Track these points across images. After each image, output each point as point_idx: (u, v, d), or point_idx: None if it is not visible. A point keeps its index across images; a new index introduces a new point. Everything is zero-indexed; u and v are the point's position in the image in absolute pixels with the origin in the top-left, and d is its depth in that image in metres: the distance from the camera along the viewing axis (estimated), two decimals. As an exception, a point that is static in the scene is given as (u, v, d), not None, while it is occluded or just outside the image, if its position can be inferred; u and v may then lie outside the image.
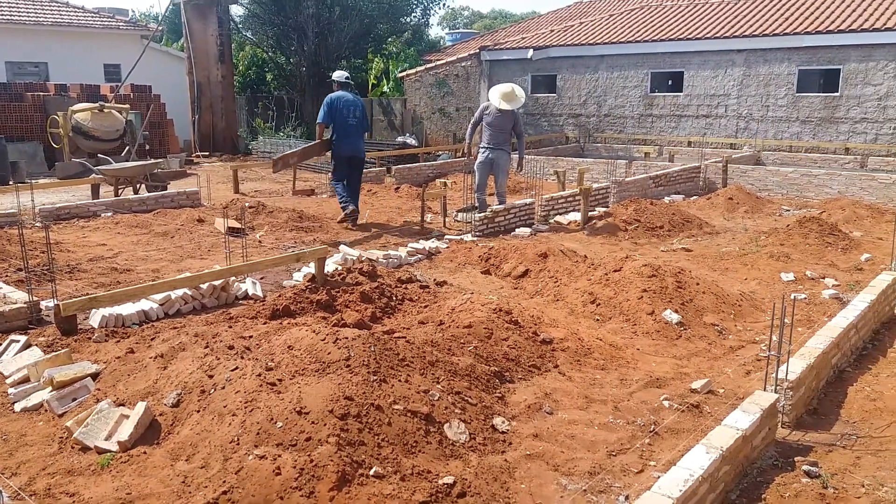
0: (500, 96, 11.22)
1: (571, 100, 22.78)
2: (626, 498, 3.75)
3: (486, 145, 11.39)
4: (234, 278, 7.10)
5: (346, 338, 4.51)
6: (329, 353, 4.41)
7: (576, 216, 11.98)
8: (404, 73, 26.10)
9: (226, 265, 7.28)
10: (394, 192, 14.36)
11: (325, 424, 3.86)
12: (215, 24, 23.62)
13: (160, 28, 27.93)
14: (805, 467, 4.08)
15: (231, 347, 4.84)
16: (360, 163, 11.45)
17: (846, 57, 17.91)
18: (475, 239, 10.32)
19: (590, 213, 11.89)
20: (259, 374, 4.27)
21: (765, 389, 4.46)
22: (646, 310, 6.54)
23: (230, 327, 5.56)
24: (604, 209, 12.42)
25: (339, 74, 11.51)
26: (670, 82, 21.23)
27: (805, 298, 7.52)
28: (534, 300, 7.39)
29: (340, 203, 11.19)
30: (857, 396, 5.10)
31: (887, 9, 18.29)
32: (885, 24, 17.29)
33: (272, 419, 3.91)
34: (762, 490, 3.90)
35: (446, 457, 3.99)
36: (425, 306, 6.83)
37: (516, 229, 11.12)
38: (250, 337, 5.11)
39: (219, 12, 23.62)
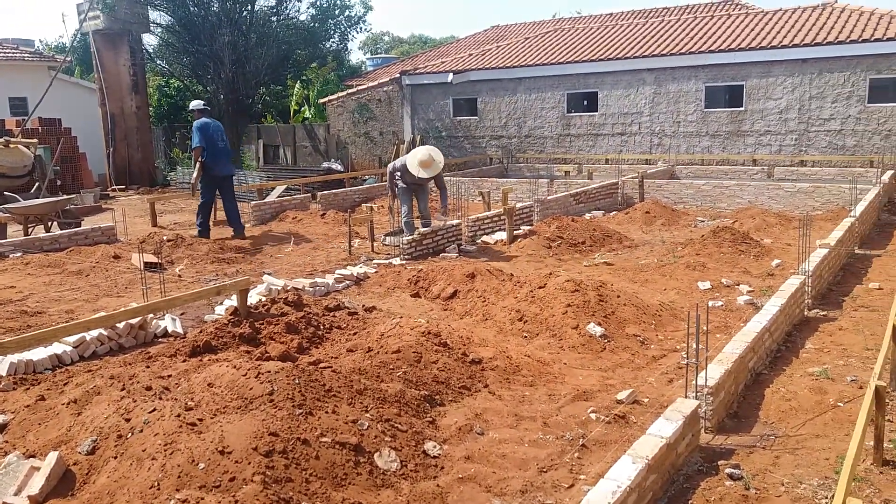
0: (418, 164, 11.03)
1: (493, 122, 23.17)
2: (558, 514, 3.78)
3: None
4: (151, 315, 6.85)
5: (269, 371, 4.40)
6: (251, 389, 4.29)
7: (502, 235, 12.14)
8: (326, 99, 26.00)
9: (143, 302, 7.01)
10: (320, 218, 14.21)
11: (249, 463, 3.74)
12: (127, 53, 22.99)
13: (68, 59, 26.98)
14: (728, 470, 4.21)
15: (149, 388, 4.65)
16: (231, 182, 12.72)
17: (748, 73, 18.88)
18: (404, 262, 10.30)
19: (515, 232, 12.07)
20: (178, 415, 4.11)
21: (686, 396, 4.59)
22: (570, 324, 6.65)
23: (148, 367, 5.35)
24: (528, 227, 12.62)
25: (196, 103, 12.59)
26: (586, 102, 21.89)
27: (722, 305, 7.81)
28: (463, 321, 7.41)
29: (197, 222, 12.24)
30: (774, 398, 5.31)
31: (783, 27, 19.42)
32: (781, 42, 18.35)
33: (194, 461, 3.77)
34: (689, 496, 3.99)
35: (378, 487, 3.92)
36: (354, 333, 6.75)
37: (444, 251, 11.17)
38: (169, 376, 4.92)
39: (130, 42, 23.01)
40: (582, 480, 4.12)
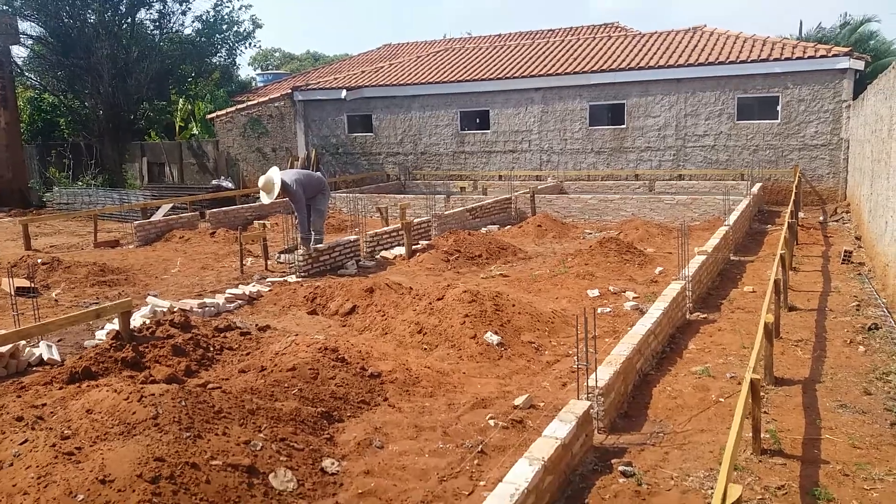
0: (260, 190, 10.97)
1: (389, 139, 23.22)
2: (459, 522, 3.77)
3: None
4: (24, 343, 6.35)
5: (153, 394, 4.17)
6: (134, 413, 4.05)
7: (401, 250, 12.13)
8: (215, 115, 25.22)
9: (13, 329, 6.49)
10: (209, 237, 13.71)
11: (133, 491, 3.51)
12: (-6, 66, 21.44)
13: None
14: (621, 468, 4.35)
15: (20, 419, 4.29)
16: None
17: (629, 93, 19.88)
18: (300, 279, 10.08)
19: (413, 247, 12.10)
20: (53, 445, 3.82)
21: (578, 398, 4.72)
22: (469, 334, 6.71)
23: (19, 397, 4.94)
24: (427, 242, 12.69)
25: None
26: (478, 120, 22.33)
27: (610, 311, 8.11)
28: (363, 336, 7.32)
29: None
30: (661, 397, 5.55)
31: (659, 49, 20.60)
32: (658, 63, 19.46)
33: (71, 493, 3.50)
34: (585, 495, 4.09)
35: (274, 507, 3.78)
36: (247, 354, 6.53)
37: (343, 266, 11.02)
38: (44, 405, 4.57)
39: (-3, 54, 21.50)
40: (482, 486, 4.13)
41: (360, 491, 4.04)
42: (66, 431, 3.97)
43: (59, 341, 7.08)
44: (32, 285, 8.95)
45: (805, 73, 17.77)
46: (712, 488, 4.02)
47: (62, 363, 6.39)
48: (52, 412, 4.41)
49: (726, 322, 7.57)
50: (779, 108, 18.25)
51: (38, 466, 3.69)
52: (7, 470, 3.74)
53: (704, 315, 7.88)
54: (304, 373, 5.31)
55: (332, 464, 4.28)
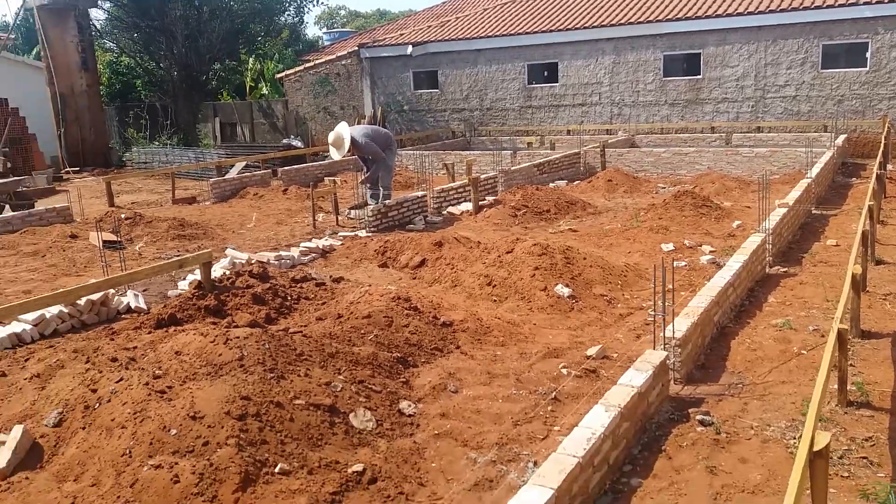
0: (330, 146, 11.03)
1: (454, 95, 23.03)
2: (535, 463, 3.81)
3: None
4: (113, 291, 6.68)
5: (238, 337, 4.33)
6: (220, 355, 4.22)
7: (467, 206, 12.12)
8: (283, 74, 25.52)
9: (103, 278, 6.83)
10: (282, 194, 14.01)
11: (222, 427, 3.68)
12: (74, 29, 22.20)
13: (12, 36, 25.98)
14: (699, 417, 4.29)
15: (114, 360, 4.54)
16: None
17: (705, 42, 19.06)
18: (370, 234, 10.22)
19: (480, 203, 12.06)
20: (147, 384, 4.03)
21: (654, 349, 4.65)
22: (539, 286, 6.68)
23: (112, 340, 5.23)
24: (493, 198, 12.62)
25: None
26: (546, 73, 21.87)
27: (685, 265, 7.93)
28: (433, 288, 7.39)
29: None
30: (740, 349, 5.42)
31: (738, -5, 19.63)
32: (737, 10, 18.55)
33: (165, 427, 3.70)
34: (662, 442, 4.06)
35: (354, 446, 3.91)
36: (323, 303, 6.69)
37: (411, 222, 11.11)
38: (135, 348, 4.82)
39: (77, 17, 22.21)
40: (556, 431, 4.16)
41: (436, 432, 4.13)
42: (157, 371, 4.18)
43: (144, 291, 7.41)
44: (118, 238, 9.36)
45: (898, 16, 16.63)
46: (794, 438, 3.93)
47: (148, 311, 6.70)
48: (143, 354, 4.65)
49: (808, 276, 7.29)
50: (868, 54, 17.19)
51: (133, 403, 3.91)
52: (105, 406, 3.98)
53: (785, 269, 7.61)
54: (378, 320, 5.41)
55: (409, 406, 4.38)
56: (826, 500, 3.05)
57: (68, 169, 21.00)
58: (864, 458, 3.72)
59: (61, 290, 6.01)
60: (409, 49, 22.90)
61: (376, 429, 4.07)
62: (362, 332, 5.20)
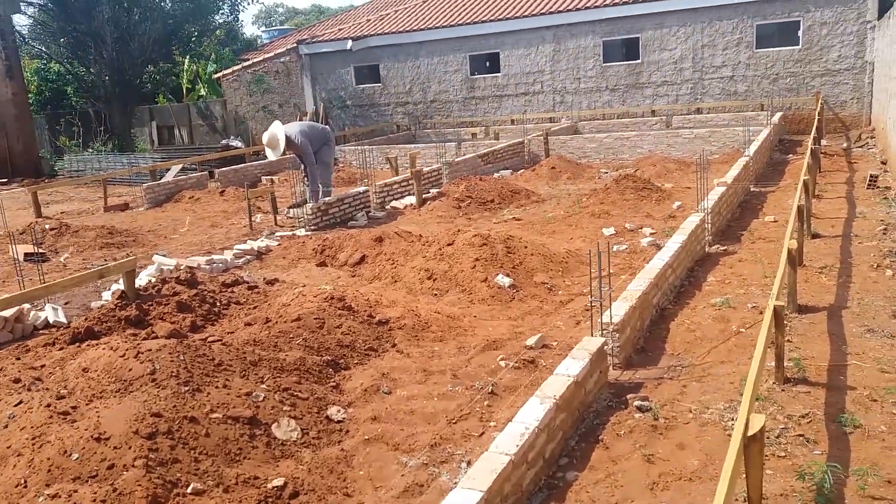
0: (266, 149, 10.84)
1: (397, 88, 22.74)
2: (468, 463, 3.64)
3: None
4: (28, 306, 6.28)
5: (150, 350, 4.05)
6: (131, 370, 3.93)
7: (411, 200, 11.91)
8: (220, 74, 24.85)
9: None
10: (219, 196, 13.57)
11: (129, 447, 3.41)
12: (-4, 36, 21.22)
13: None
14: (637, 403, 4.17)
15: (17, 381, 4.21)
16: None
17: (643, 26, 19.16)
18: (309, 233, 9.93)
19: (424, 196, 11.86)
20: (48, 405, 3.72)
21: (592, 335, 4.52)
22: (479, 278, 6.52)
23: (18, 359, 4.87)
24: (437, 190, 12.44)
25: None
26: (488, 64, 21.74)
27: (626, 249, 7.87)
28: (372, 285, 7.16)
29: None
30: (679, 330, 5.35)
31: (672, -21, 19.77)
32: (671, -7, 18.68)
33: (66, 452, 3.41)
34: (599, 432, 3.93)
35: (276, 458, 3.67)
36: (254, 307, 6.41)
37: (353, 219, 10.85)
38: (42, 366, 4.49)
39: (0, 23, 21.24)
40: (492, 427, 3.99)
41: (366, 437, 3.92)
42: (61, 391, 3.88)
43: (66, 304, 7.02)
44: (40, 251, 8.88)
45: (827, -6, 16.96)
46: (733, 419, 3.84)
47: (68, 325, 6.32)
48: (50, 373, 4.33)
49: (747, 253, 7.30)
50: (800, 33, 17.50)
51: (32, 427, 3.60)
52: (1, 432, 3.66)
53: (724, 247, 7.61)
54: (309, 322, 5.17)
55: (338, 411, 4.16)
56: (761, 485, 2.95)
57: (-5, 181, 20.07)
58: (800, 435, 3.64)
59: (-33, 308, 5.60)
60: (350, 44, 22.53)
61: (301, 438, 3.84)
62: (291, 336, 4.96)
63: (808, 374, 4.34)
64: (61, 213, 13.50)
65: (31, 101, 25.03)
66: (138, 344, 4.13)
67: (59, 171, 21.30)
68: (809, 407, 3.94)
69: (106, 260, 8.80)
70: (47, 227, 10.05)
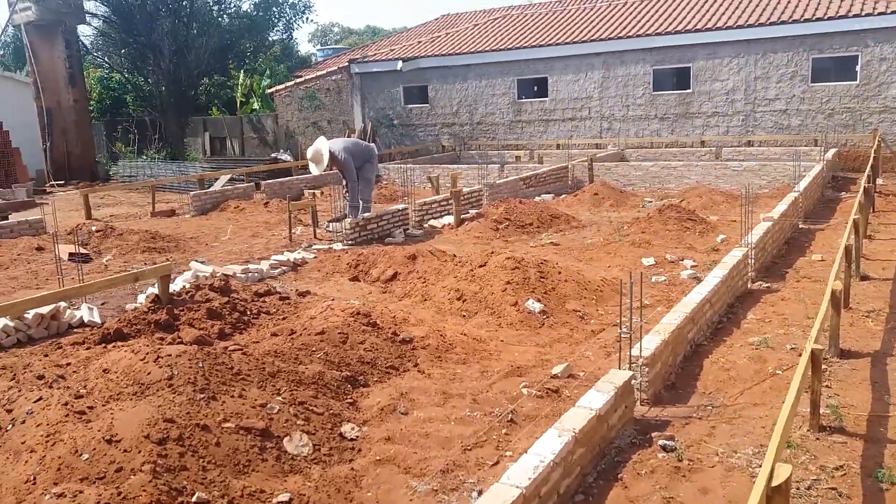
0: (309, 163, 10.92)
1: (444, 109, 22.87)
2: (479, 493, 3.52)
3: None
4: (64, 304, 6.40)
5: (169, 355, 4.05)
6: (149, 374, 3.94)
7: (450, 219, 11.87)
8: (274, 89, 25.38)
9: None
10: (263, 206, 13.76)
11: (139, 452, 3.40)
12: (62, 45, 22.06)
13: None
14: (661, 442, 4.00)
15: (41, 377, 4.26)
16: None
17: (695, 56, 18.92)
18: (346, 248, 9.96)
19: (463, 216, 11.82)
20: (66, 404, 3.74)
21: (619, 368, 4.38)
22: (509, 301, 6.41)
23: (46, 356, 4.95)
24: (476, 211, 12.39)
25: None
26: (536, 88, 21.70)
27: (665, 280, 7.67)
28: (402, 302, 7.12)
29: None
30: (713, 368, 5.14)
31: (727, 8, 19.51)
32: (726, 24, 18.42)
33: (77, 451, 3.41)
34: (619, 469, 3.77)
35: (285, 473, 3.62)
36: (283, 318, 6.42)
37: (391, 235, 10.86)
38: (68, 364, 4.54)
39: (65, 33, 22.08)
40: (508, 457, 3.87)
41: (378, 458, 3.84)
42: (81, 390, 3.90)
43: (102, 304, 7.14)
44: (83, 251, 9.10)
45: (889, 30, 16.48)
46: (761, 466, 3.64)
47: (102, 325, 6.42)
48: (74, 371, 4.37)
49: (791, 291, 7.03)
50: (857, 68, 17.03)
51: (48, 424, 3.63)
52: (18, 427, 3.70)
53: (767, 284, 7.34)
54: (332, 337, 5.13)
55: (352, 429, 4.09)
56: (785, 538, 2.77)
57: (52, 182, 20.77)
58: (833, 489, 3.43)
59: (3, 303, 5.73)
60: (400, 64, 22.77)
61: (312, 454, 3.78)
62: (313, 349, 4.92)
63: (846, 423, 4.10)
64: (110, 216, 13.86)
65: (91, 108, 25.91)
66: (159, 348, 4.14)
67: (113, 176, 21.95)
68: (845, 459, 3.72)
69: (146, 263, 8.96)
70: (93, 229, 10.30)
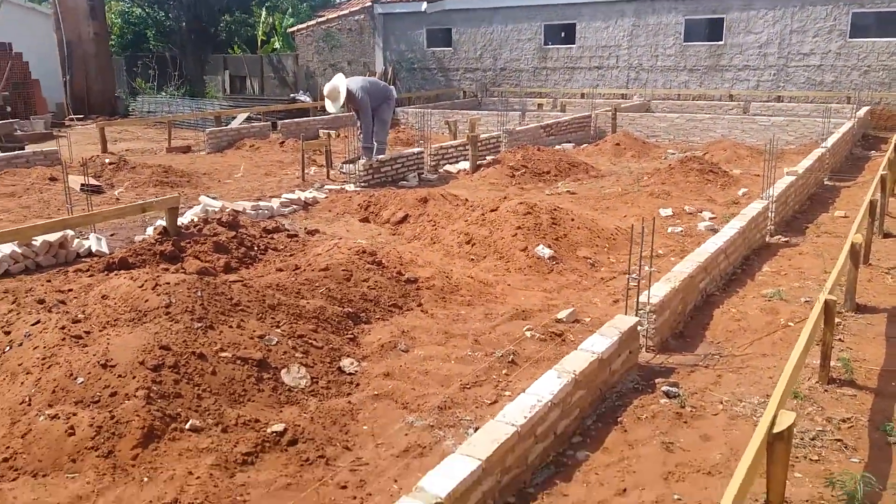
0: (325, 97, 10.57)
1: (467, 54, 22.37)
2: (476, 430, 3.47)
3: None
4: (72, 233, 6.39)
5: (168, 283, 4.01)
6: (147, 301, 3.91)
7: (465, 165, 11.69)
8: (295, 28, 24.95)
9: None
10: (278, 146, 13.65)
11: (133, 377, 3.38)
12: (83, -24, 21.73)
13: (21, -18, 25.54)
14: (665, 388, 3.92)
15: (41, 302, 4.26)
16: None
17: (729, 6, 18.22)
18: (358, 189, 9.85)
19: (479, 162, 11.62)
20: (63, 328, 3.73)
21: (626, 314, 4.28)
22: (519, 246, 6.30)
23: (49, 281, 4.95)
24: (493, 157, 12.17)
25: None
26: (563, 34, 21.11)
27: (681, 231, 7.50)
28: (411, 245, 7.03)
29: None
30: (723, 318, 5.03)
31: (765, -44, 18.69)
32: (763, -28, 17.68)
33: (72, 375, 3.40)
34: (619, 414, 3.71)
35: (281, 404, 3.59)
36: (291, 255, 6.36)
37: (405, 179, 10.72)
38: (69, 290, 4.53)
39: (86, -35, 21.73)
40: (506, 397, 3.82)
41: (375, 392, 3.80)
42: (79, 315, 3.89)
43: (111, 235, 7.13)
44: (96, 183, 9.08)
45: (935, -18, 15.73)
46: (765, 416, 3.55)
47: (110, 255, 6.41)
48: (75, 298, 4.36)
49: (810, 246, 6.84)
50: (900, 22, 16.33)
51: (45, 347, 3.62)
52: (16, 350, 3.69)
53: (786, 238, 7.16)
54: (336, 273, 5.07)
55: (351, 364, 4.05)
56: (784, 488, 2.70)
57: (72, 116, 20.73)
58: (838, 440, 3.34)
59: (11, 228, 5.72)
60: (424, 5, 22.22)
61: (310, 387, 3.75)
62: (316, 284, 4.87)
63: (857, 376, 3.99)
64: (126, 150, 13.80)
65: (112, 42, 25.67)
66: (158, 276, 4.10)
67: (132, 112, 21.85)
68: (853, 411, 3.61)
69: (157, 197, 8.92)
70: (107, 161, 10.26)
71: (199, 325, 3.79)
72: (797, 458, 3.18)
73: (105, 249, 6.54)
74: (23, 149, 12.35)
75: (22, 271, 5.97)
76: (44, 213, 8.20)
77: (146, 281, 4.04)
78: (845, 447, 3.29)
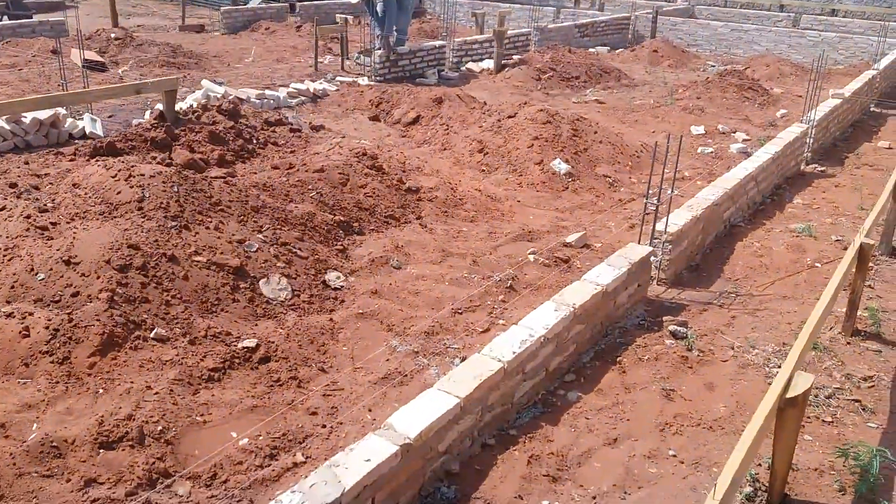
0: None
1: (503, -59, 20.92)
2: (463, 360, 3.23)
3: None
4: (65, 112, 6.05)
5: (143, 175, 3.70)
6: (119, 194, 3.61)
7: (489, 64, 11.03)
8: None
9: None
10: (295, 31, 12.97)
11: (98, 277, 3.13)
12: None
13: None
14: (672, 328, 3.63)
15: (13, 185, 3.98)
16: None
17: None
18: (373, 83, 9.32)
19: (504, 61, 10.95)
20: (29, 216, 3.47)
21: (639, 242, 3.93)
22: (534, 159, 5.88)
23: (26, 164, 4.65)
24: (519, 57, 11.47)
25: None
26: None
27: (711, 152, 7.01)
28: (420, 149, 6.63)
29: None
30: (745, 253, 4.67)
31: None
32: None
33: (33, 270, 3.16)
34: (620, 352, 3.44)
35: (257, 317, 3.35)
36: (291, 152, 6.00)
37: (423, 75, 10.14)
38: (46, 175, 4.24)
39: None
40: (500, 325, 3.55)
41: (360, 311, 3.55)
42: (47, 204, 3.61)
43: (109, 117, 6.79)
44: (100, 59, 8.64)
45: None
46: (777, 367, 3.27)
47: (105, 138, 6.09)
48: (50, 184, 4.07)
49: (847, 178, 6.36)
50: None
51: (7, 237, 3.37)
52: (-23, 237, 3.44)
53: (823, 168, 6.66)
54: (331, 176, 4.73)
55: (338, 278, 3.78)
56: (791, 457, 2.44)
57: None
58: (857, 401, 3.06)
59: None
60: None
61: (290, 300, 3.50)
62: (308, 187, 4.54)
63: (884, 329, 3.66)
64: (138, 25, 13.21)
65: None
66: (132, 167, 3.79)
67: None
68: (875, 369, 3.31)
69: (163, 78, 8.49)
70: (112, 35, 9.76)
71: (174, 224, 3.50)
72: (809, 418, 2.91)
73: (100, 132, 6.21)
74: (30, 17, 11.82)
75: (10, 149, 5.68)
76: (42, 89, 7.82)
77: (119, 171, 3.73)
78: (863, 409, 3.01)
